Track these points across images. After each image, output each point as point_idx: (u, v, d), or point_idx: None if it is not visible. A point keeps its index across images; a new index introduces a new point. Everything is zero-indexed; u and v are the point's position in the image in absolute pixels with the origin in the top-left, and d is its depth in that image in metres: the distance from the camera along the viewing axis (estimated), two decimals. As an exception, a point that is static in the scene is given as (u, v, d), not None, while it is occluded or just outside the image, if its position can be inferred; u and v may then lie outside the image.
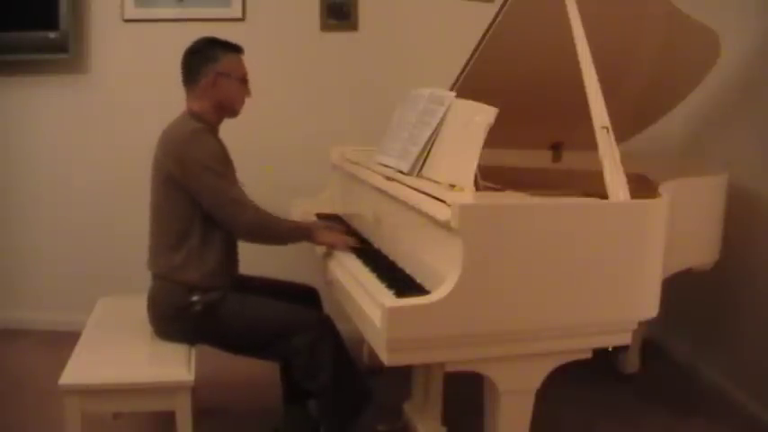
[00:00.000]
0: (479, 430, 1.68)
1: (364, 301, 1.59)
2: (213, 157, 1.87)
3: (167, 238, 1.92)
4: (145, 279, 2.00)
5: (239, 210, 1.88)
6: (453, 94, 1.84)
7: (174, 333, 1.92)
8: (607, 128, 1.66)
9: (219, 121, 2.03)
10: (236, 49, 2.01)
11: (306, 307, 2.03)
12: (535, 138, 2.47)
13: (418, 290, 1.55)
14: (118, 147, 3.04)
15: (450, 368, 1.51)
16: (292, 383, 2.11)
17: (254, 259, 2.14)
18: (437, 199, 1.54)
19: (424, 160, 1.82)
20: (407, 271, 1.72)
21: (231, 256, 2.03)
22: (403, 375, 2.16)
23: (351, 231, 2.14)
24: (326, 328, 1.89)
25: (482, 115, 1.64)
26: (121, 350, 1.88)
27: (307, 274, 2.27)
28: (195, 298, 1.88)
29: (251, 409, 2.43)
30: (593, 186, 1.69)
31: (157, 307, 1.95)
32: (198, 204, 1.88)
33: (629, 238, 1.56)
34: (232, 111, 2.03)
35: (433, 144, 1.81)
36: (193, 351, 1.89)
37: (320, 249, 2.06)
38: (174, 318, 1.90)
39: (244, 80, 2.02)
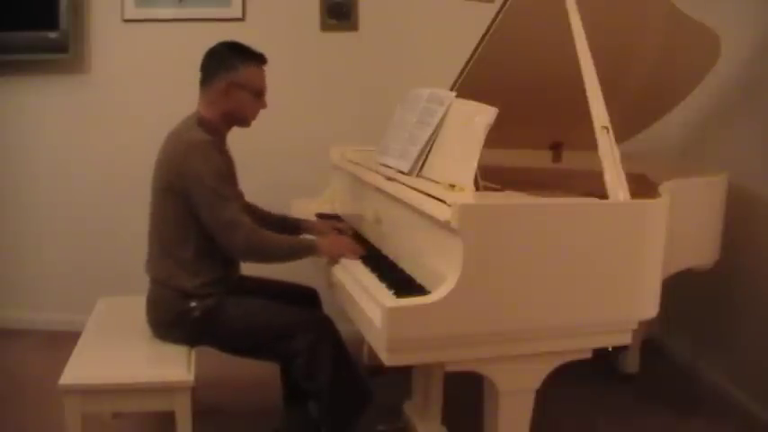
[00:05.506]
0: (479, 430, 1.68)
1: (365, 301, 1.59)
2: (213, 175, 1.81)
3: (163, 245, 1.91)
4: (145, 279, 1.99)
5: (234, 232, 1.82)
6: (453, 94, 1.84)
7: (173, 337, 1.91)
8: (607, 128, 1.66)
9: (228, 129, 1.98)
10: (257, 60, 1.93)
11: (305, 308, 2.03)
12: (535, 138, 2.47)
13: (418, 290, 1.55)
14: (118, 147, 3.04)
15: (450, 368, 1.51)
16: (292, 384, 2.11)
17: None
18: (437, 199, 1.54)
19: (424, 160, 1.82)
20: (407, 271, 1.72)
21: (229, 265, 1.99)
22: (403, 375, 2.16)
23: (355, 234, 2.13)
24: (326, 329, 1.88)
25: (482, 115, 1.64)
26: (121, 350, 1.88)
27: (307, 276, 2.26)
28: (193, 304, 1.87)
29: (251, 409, 2.43)
30: (593, 186, 1.70)
31: (156, 312, 1.94)
32: (195, 216, 1.84)
33: (629, 238, 1.56)
34: (243, 122, 1.97)
35: (432, 144, 1.81)
36: (193, 351, 1.89)
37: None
38: (174, 323, 1.90)
39: (260, 93, 1.95)
